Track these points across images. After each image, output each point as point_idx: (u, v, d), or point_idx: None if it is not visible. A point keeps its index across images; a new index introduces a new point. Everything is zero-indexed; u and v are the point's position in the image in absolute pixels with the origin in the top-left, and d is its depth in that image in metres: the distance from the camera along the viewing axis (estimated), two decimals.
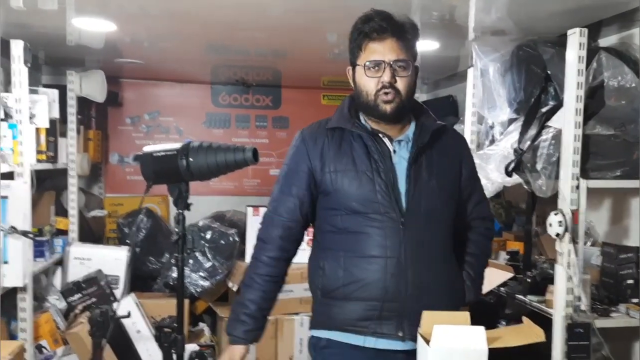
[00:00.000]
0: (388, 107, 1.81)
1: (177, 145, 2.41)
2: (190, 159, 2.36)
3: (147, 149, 2.47)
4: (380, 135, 1.86)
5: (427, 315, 1.83)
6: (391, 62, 1.79)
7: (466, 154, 2.03)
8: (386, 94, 1.79)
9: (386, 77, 1.79)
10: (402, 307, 1.81)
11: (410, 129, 1.90)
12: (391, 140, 1.88)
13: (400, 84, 1.80)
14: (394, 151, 1.87)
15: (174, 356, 2.55)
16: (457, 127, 3.74)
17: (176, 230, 2.44)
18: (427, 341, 1.74)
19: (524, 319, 1.92)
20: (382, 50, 1.79)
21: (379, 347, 1.84)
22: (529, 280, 2.76)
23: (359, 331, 1.84)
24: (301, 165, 1.90)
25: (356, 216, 1.83)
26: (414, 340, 1.80)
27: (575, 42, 2.36)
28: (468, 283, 2.00)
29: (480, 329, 1.74)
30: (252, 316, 1.91)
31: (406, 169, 1.85)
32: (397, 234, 1.81)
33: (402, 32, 1.81)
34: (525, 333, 1.89)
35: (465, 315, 1.83)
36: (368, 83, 1.82)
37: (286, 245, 1.93)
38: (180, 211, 2.44)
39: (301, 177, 1.90)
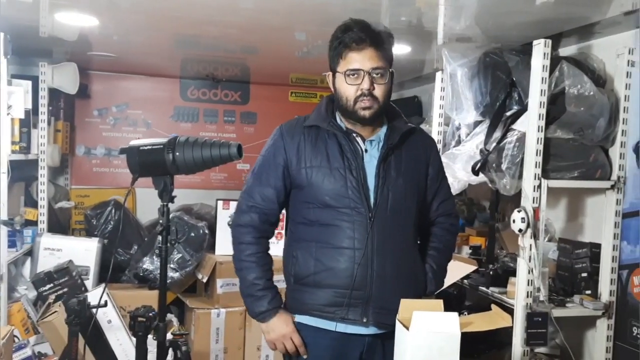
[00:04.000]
0: (367, 113, 1.95)
1: (164, 139, 2.49)
2: (177, 153, 2.44)
3: (134, 142, 2.54)
4: (354, 135, 2.01)
5: (404, 303, 1.97)
6: (369, 71, 1.92)
7: (434, 154, 2.16)
8: (364, 101, 1.93)
9: (365, 84, 1.92)
10: (367, 295, 1.96)
11: (383, 130, 2.05)
12: (364, 140, 2.02)
13: (378, 91, 1.95)
14: (366, 150, 2.01)
15: (151, 343, 2.63)
16: (422, 126, 3.91)
17: (160, 221, 2.52)
18: (406, 326, 1.89)
19: (493, 306, 2.08)
20: (361, 59, 1.92)
21: (348, 331, 1.99)
22: (491, 273, 2.92)
23: (327, 316, 1.98)
24: (278, 158, 2.03)
25: (328, 210, 1.97)
26: (377, 326, 1.99)
27: (540, 52, 2.54)
28: (430, 275, 2.13)
29: (454, 315, 1.89)
30: (266, 288, 2.02)
31: (376, 167, 1.99)
32: (365, 227, 1.95)
33: (380, 41, 1.94)
34: (494, 319, 2.04)
35: (439, 303, 1.98)
36: (348, 90, 1.94)
37: (264, 227, 2.07)
38: (165, 203, 2.53)
39: (278, 169, 2.03)
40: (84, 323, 3.02)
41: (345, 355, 2.01)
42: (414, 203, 2.06)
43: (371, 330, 2.00)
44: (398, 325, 1.97)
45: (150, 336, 2.60)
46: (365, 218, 1.95)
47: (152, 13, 2.99)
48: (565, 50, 3.06)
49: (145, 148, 2.48)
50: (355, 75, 1.93)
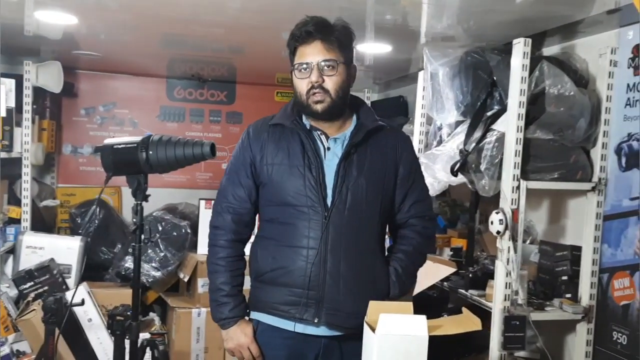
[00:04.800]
0: (319, 107, 1.93)
1: (138, 138, 2.47)
2: (150, 152, 2.42)
3: (108, 141, 2.51)
4: (318, 132, 1.99)
5: (373, 305, 1.95)
6: (318, 63, 1.90)
7: (406, 154, 2.10)
8: (315, 94, 1.91)
9: (313, 77, 1.90)
10: (320, 295, 1.94)
11: (350, 127, 2.03)
12: (328, 137, 2.00)
13: (329, 83, 1.91)
14: (328, 148, 1.99)
15: (127, 343, 2.61)
16: (406, 127, 3.88)
17: (134, 220, 2.50)
18: (373, 329, 1.86)
19: (464, 309, 2.07)
20: (309, 52, 1.91)
21: (305, 332, 1.97)
22: (470, 275, 2.89)
23: (283, 315, 1.96)
24: (245, 157, 2.04)
25: (287, 207, 1.96)
26: (328, 327, 1.95)
27: (520, 51, 2.51)
28: (393, 278, 2.06)
29: (422, 317, 1.86)
30: (230, 295, 2.01)
31: (337, 165, 1.96)
32: (321, 226, 1.93)
33: (329, 33, 1.92)
34: (464, 322, 2.03)
35: (409, 305, 1.95)
36: (299, 84, 1.94)
37: (239, 229, 2.06)
38: (139, 202, 2.50)
39: (246, 168, 2.04)
40: (62, 322, 3.01)
41: (301, 356, 1.99)
42: (377, 203, 2.01)
43: (323, 331, 1.96)
44: (365, 328, 1.94)
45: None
46: (322, 217, 1.93)
47: (138, 12, 2.98)
48: (549, 50, 3.04)
49: (119, 147, 2.46)
50: (305, 69, 1.92)
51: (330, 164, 1.97)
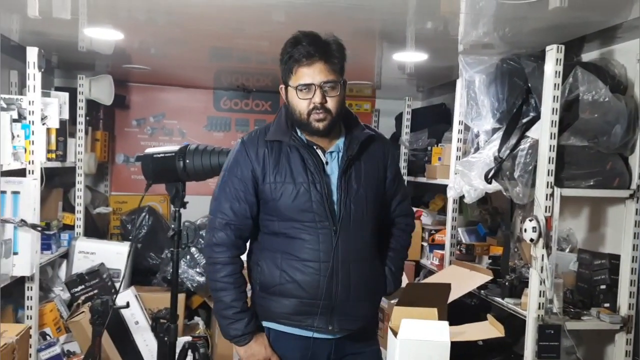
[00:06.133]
0: (320, 125, 1.96)
1: (176, 147, 2.59)
2: (187, 161, 2.54)
3: (148, 150, 2.64)
4: (315, 147, 2.02)
5: (397, 311, 1.99)
6: (321, 84, 1.93)
7: (391, 158, 2.20)
8: (318, 113, 1.94)
9: (317, 98, 1.93)
10: (332, 304, 1.99)
11: (341, 139, 2.07)
12: (324, 152, 2.04)
13: (331, 103, 1.95)
14: (326, 163, 2.03)
15: (181, 345, 2.72)
16: (447, 134, 3.88)
17: (172, 226, 2.61)
18: (395, 333, 1.89)
19: (488, 316, 2.07)
20: (311, 73, 1.93)
21: (315, 336, 2.02)
22: (506, 283, 2.87)
23: (294, 324, 2.02)
24: (245, 173, 2.03)
25: (293, 223, 1.99)
26: (342, 332, 2.04)
27: (553, 58, 2.49)
28: (389, 277, 2.21)
29: (445, 323, 1.89)
30: (243, 311, 2.04)
31: (337, 180, 2.01)
32: (330, 240, 1.98)
33: (329, 54, 1.95)
34: (487, 329, 2.03)
35: (433, 311, 1.98)
36: (300, 104, 1.96)
37: (237, 243, 2.07)
38: (177, 209, 2.62)
39: (247, 183, 2.02)
40: (112, 324, 3.15)
41: (315, 356, 2.05)
42: (375, 211, 2.10)
43: (335, 334, 2.04)
44: (390, 333, 1.98)
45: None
46: (330, 231, 1.98)
47: (186, 28, 3.10)
48: (588, 56, 2.99)
49: (159, 156, 2.58)
50: (307, 90, 1.94)
51: (331, 178, 2.03)
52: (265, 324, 2.09)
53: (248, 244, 2.13)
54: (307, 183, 1.98)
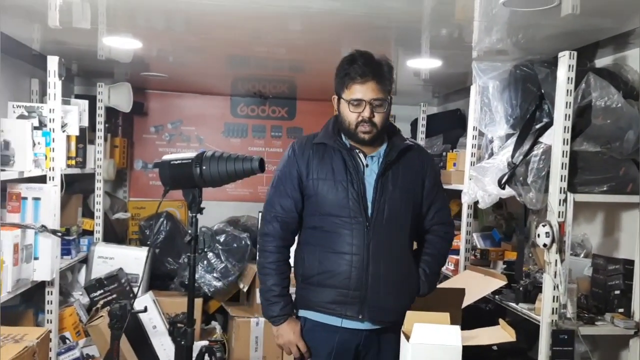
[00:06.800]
0: (366, 137, 2.21)
1: (192, 154, 2.63)
2: (203, 167, 2.57)
3: (166, 157, 2.69)
4: (357, 151, 2.23)
5: (410, 315, 2.02)
6: (370, 101, 2.16)
7: (430, 169, 2.40)
8: (364, 126, 2.18)
9: (366, 113, 2.16)
10: (363, 295, 2.20)
11: (383, 147, 2.28)
12: (365, 156, 2.26)
13: (377, 118, 2.19)
14: (367, 165, 2.23)
15: (198, 349, 2.76)
16: (462, 139, 3.89)
17: (189, 232, 2.65)
18: (408, 337, 1.92)
19: (500, 320, 2.09)
20: (363, 91, 2.16)
21: (348, 326, 2.22)
22: (520, 288, 2.88)
23: (330, 312, 2.21)
24: (292, 171, 2.29)
25: (331, 218, 2.22)
26: (372, 321, 2.23)
27: (565, 64, 2.51)
28: (422, 278, 2.35)
29: (456, 328, 1.92)
30: (281, 295, 2.27)
31: (375, 180, 2.23)
32: (363, 235, 2.18)
33: (381, 74, 2.19)
34: (499, 333, 2.06)
35: (445, 316, 2.00)
36: (350, 116, 2.19)
37: (286, 236, 2.33)
38: (194, 214, 2.66)
39: (293, 181, 2.29)
40: (130, 329, 3.20)
41: (343, 346, 2.22)
42: (409, 213, 2.28)
43: (366, 325, 2.24)
44: (402, 337, 2.01)
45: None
46: (363, 226, 2.19)
47: (203, 36, 3.15)
48: (602, 61, 3.00)
49: (176, 162, 2.62)
50: (358, 104, 2.17)
51: (369, 179, 2.24)
52: (302, 313, 2.31)
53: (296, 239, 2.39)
54: (345, 181, 2.20)
